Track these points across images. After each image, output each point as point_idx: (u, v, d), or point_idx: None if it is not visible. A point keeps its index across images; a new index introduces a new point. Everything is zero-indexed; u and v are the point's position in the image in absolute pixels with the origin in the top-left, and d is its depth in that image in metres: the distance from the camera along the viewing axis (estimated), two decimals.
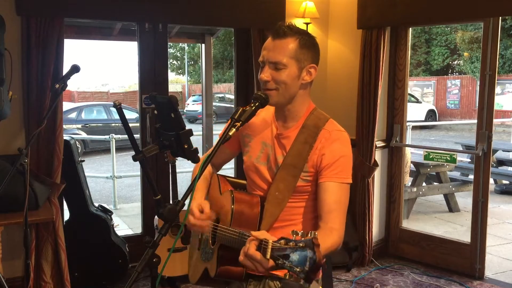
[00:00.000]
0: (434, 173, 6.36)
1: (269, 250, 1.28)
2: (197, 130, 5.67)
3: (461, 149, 7.38)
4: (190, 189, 1.42)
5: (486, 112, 3.82)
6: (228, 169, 5.44)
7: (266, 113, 1.81)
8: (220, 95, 20.44)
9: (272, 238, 1.31)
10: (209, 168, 1.95)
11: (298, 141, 1.72)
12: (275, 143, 1.77)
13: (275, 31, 1.68)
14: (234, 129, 1.53)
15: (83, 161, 3.84)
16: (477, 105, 4.00)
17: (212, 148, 1.55)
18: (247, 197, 1.76)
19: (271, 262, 1.28)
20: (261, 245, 1.31)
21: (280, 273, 1.31)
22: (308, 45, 1.69)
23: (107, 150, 9.82)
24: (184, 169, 7.14)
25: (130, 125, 1.44)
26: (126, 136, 1.48)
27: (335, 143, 1.69)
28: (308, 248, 1.19)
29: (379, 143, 4.31)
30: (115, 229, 3.87)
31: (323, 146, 1.69)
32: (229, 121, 1.57)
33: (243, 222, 1.68)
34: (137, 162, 1.46)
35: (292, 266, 1.21)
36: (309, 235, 1.22)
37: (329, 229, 1.58)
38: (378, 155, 4.28)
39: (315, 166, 1.69)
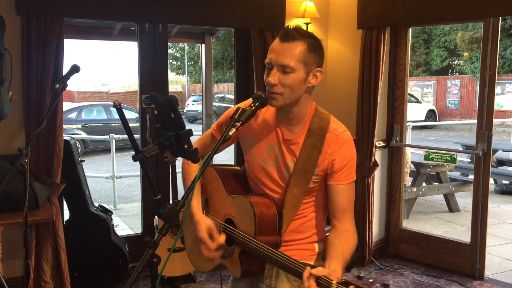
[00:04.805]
0: (434, 173, 6.36)
1: None
2: (197, 130, 5.65)
3: (461, 149, 7.38)
4: (190, 189, 1.42)
5: (486, 112, 3.83)
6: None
7: (267, 113, 1.79)
8: (220, 95, 20.43)
9: (330, 275, 1.47)
10: (193, 166, 1.92)
11: (306, 146, 1.73)
12: (284, 148, 1.76)
13: (283, 33, 1.65)
14: (234, 129, 1.54)
15: (83, 161, 3.85)
16: (477, 105, 4.01)
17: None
18: (263, 205, 1.76)
19: None
20: (321, 283, 1.45)
21: None
22: (316, 48, 1.68)
23: (107, 150, 9.82)
24: None
25: (130, 125, 1.44)
26: (126, 136, 1.48)
27: (343, 147, 1.74)
28: None
29: (379, 143, 4.31)
30: (115, 229, 3.87)
31: (332, 151, 1.73)
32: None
33: (265, 231, 1.72)
34: (137, 162, 1.46)
35: None
36: (374, 283, 1.36)
37: (346, 231, 1.73)
38: (378, 155, 4.28)
39: (325, 170, 1.74)
